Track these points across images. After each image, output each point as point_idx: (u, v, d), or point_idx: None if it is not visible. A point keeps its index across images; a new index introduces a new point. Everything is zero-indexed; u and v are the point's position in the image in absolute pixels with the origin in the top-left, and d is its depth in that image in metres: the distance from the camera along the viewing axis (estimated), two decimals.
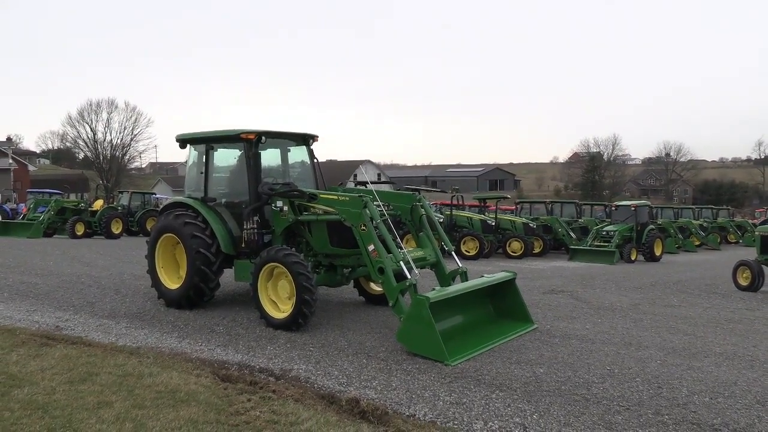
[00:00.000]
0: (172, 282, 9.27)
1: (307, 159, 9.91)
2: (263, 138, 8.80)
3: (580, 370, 6.25)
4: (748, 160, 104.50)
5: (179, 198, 9.67)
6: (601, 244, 21.68)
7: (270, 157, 9.68)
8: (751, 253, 14.36)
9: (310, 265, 7.88)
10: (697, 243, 30.14)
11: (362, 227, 7.50)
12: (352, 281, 9.50)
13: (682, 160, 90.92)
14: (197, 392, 5.19)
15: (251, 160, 8.81)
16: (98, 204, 28.03)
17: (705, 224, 32.60)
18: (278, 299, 8.03)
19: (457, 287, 7.47)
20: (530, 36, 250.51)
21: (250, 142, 8.76)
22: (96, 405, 4.80)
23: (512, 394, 5.50)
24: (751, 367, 6.55)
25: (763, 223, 31.52)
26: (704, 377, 6.10)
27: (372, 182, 9.18)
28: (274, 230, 8.78)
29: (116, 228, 25.81)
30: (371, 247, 7.37)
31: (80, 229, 25.32)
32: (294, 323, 7.66)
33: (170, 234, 9.13)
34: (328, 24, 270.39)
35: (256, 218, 8.63)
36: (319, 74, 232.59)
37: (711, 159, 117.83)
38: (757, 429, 4.79)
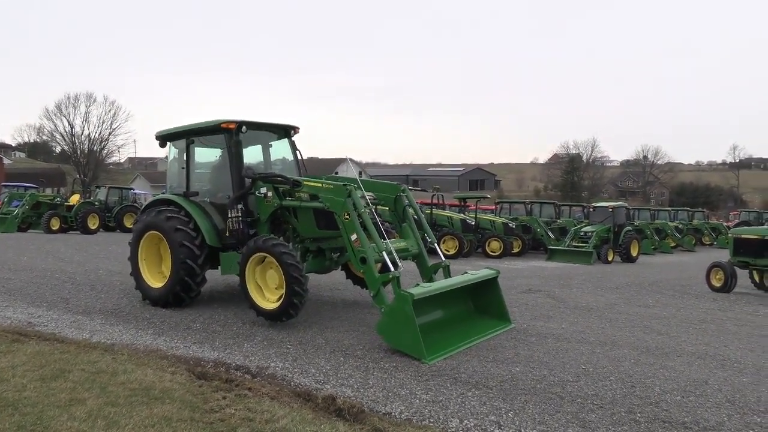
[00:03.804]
0: (154, 279, 9.14)
1: (289, 154, 9.82)
2: (244, 127, 8.71)
3: (556, 369, 6.32)
4: (724, 163, 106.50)
5: (163, 195, 9.54)
6: (579, 244, 21.92)
7: (252, 154, 9.60)
8: (724, 255, 14.63)
9: (299, 254, 7.79)
10: (673, 244, 30.62)
11: (345, 216, 7.48)
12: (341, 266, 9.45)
13: (659, 162, 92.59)
14: (172, 390, 5.14)
15: (233, 148, 8.73)
16: (74, 199, 27.60)
17: (681, 226, 33.18)
18: (266, 288, 7.96)
19: (441, 284, 7.41)
20: (512, 37, 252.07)
21: (231, 132, 8.69)
22: (68, 402, 4.73)
23: (488, 393, 5.54)
24: (722, 367, 6.67)
25: (736, 225, 32.17)
26: (676, 376, 6.20)
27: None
28: (259, 217, 8.70)
29: (93, 223, 25.48)
30: (354, 237, 7.36)
31: (56, 223, 24.95)
32: (284, 314, 7.60)
33: (155, 231, 9.00)
34: (312, 20, 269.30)
35: (240, 206, 8.55)
36: (301, 71, 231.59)
37: (687, 162, 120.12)
38: (727, 427, 4.88)
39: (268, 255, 7.70)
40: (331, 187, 7.85)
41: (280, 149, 9.92)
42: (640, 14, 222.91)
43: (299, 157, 9.74)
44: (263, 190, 8.53)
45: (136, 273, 9.28)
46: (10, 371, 5.43)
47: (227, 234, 8.67)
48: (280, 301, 7.62)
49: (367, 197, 8.06)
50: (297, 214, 8.52)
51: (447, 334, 7.26)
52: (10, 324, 7.57)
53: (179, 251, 8.52)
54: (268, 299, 7.85)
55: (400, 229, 8.49)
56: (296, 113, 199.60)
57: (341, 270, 9.93)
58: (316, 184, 8.11)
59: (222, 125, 8.64)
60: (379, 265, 7.39)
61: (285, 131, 9.71)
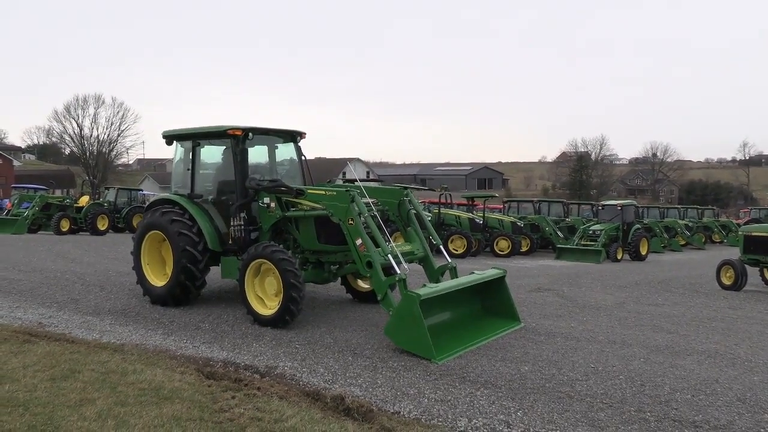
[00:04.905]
0: (158, 279, 9.21)
1: (294, 156, 9.88)
2: (250, 134, 8.76)
3: (565, 368, 6.29)
4: (734, 160, 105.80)
5: (166, 195, 9.61)
6: (588, 243, 21.82)
7: (257, 154, 9.64)
8: (735, 253, 14.52)
9: (297, 261, 7.85)
10: (683, 242, 30.45)
11: (350, 222, 7.49)
12: (340, 278, 9.49)
13: (668, 160, 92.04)
14: (181, 389, 5.16)
15: (238, 156, 8.77)
16: (84, 200, 27.77)
17: (690, 224, 32.97)
18: (265, 296, 8.01)
19: (448, 284, 7.42)
20: (520, 35, 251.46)
21: (237, 138, 8.72)
22: (78, 402, 4.76)
23: (497, 392, 5.53)
24: (733, 365, 6.62)
25: (747, 223, 31.94)
26: (686, 375, 6.17)
27: (361, 180, 9.16)
28: (261, 227, 8.74)
29: (102, 224, 25.63)
30: (359, 242, 7.36)
31: (65, 225, 25.10)
32: (280, 320, 7.64)
33: (157, 231, 9.07)
34: (318, 21, 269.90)
35: (243, 215, 8.60)
36: (309, 71, 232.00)
37: (697, 159, 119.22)
38: (737, 426, 4.85)
39: (266, 261, 7.74)
40: (335, 193, 7.86)
41: (285, 151, 9.96)
42: (647, 11, 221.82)
43: (304, 163, 9.76)
44: (266, 200, 8.55)
45: (138, 270, 9.34)
46: (21, 371, 5.47)
47: (230, 241, 8.73)
48: (277, 306, 7.66)
49: (370, 202, 8.06)
50: (299, 225, 8.54)
51: (456, 334, 7.25)
52: (20, 325, 7.63)
53: (181, 255, 8.57)
54: (270, 307, 7.88)
55: (404, 233, 8.50)
56: (305, 113, 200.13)
57: (341, 284, 9.95)
58: (319, 192, 8.13)
59: (229, 131, 8.66)
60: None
61: (292, 136, 9.74)
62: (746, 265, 13.22)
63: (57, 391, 4.98)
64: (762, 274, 13.70)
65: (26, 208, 26.10)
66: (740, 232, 14.26)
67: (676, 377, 6.08)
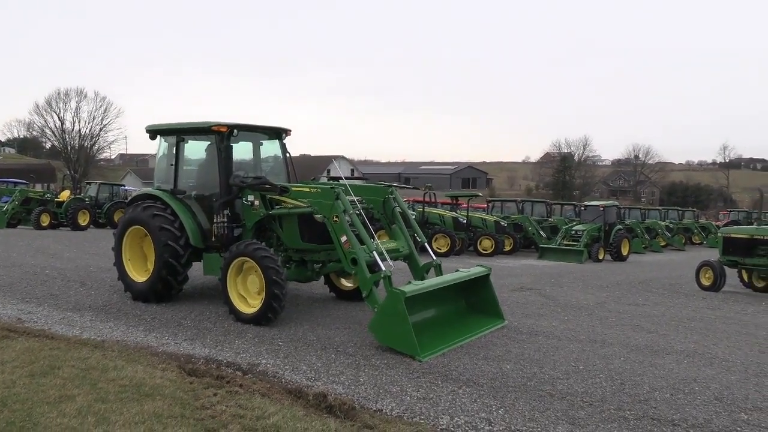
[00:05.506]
0: (139, 275, 9.13)
1: (279, 153, 9.85)
2: (235, 131, 8.72)
3: (546, 367, 6.35)
4: (714, 163, 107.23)
5: (148, 190, 9.52)
6: (570, 243, 22.03)
7: (242, 151, 9.59)
8: (714, 254, 14.74)
9: (280, 259, 7.84)
10: (663, 243, 30.85)
11: (335, 219, 7.48)
12: (323, 277, 9.48)
13: (650, 162, 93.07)
14: (162, 386, 5.13)
15: (222, 152, 8.72)
16: (65, 195, 27.41)
17: (671, 225, 33.44)
18: (248, 294, 7.97)
19: (433, 281, 7.46)
20: (504, 36, 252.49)
21: (222, 135, 8.66)
22: (58, 398, 4.71)
23: (479, 390, 5.56)
24: (710, 365, 6.73)
25: (726, 225, 32.42)
26: (665, 374, 6.26)
27: (345, 177, 9.16)
28: (244, 224, 8.70)
29: (83, 219, 25.36)
30: (344, 239, 7.36)
31: (45, 219, 24.79)
32: (263, 318, 7.61)
33: (138, 226, 8.99)
34: (305, 17, 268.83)
35: (226, 212, 8.55)
36: (294, 67, 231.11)
37: (678, 161, 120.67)
38: (715, 424, 4.93)
39: (249, 259, 7.71)
40: (319, 190, 7.85)
41: (270, 148, 9.92)
42: (631, 14, 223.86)
43: (289, 160, 9.73)
44: (250, 198, 8.51)
45: (119, 266, 9.26)
46: None
47: (213, 238, 8.68)
48: (260, 304, 7.64)
49: (355, 200, 8.07)
50: (282, 223, 8.52)
51: (440, 331, 7.27)
52: None
53: (163, 250, 8.51)
54: (252, 305, 7.85)
55: (389, 230, 8.52)
56: (289, 111, 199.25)
57: (324, 283, 9.94)
58: (304, 189, 8.11)
59: (213, 128, 8.59)
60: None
61: (276, 133, 9.71)
62: (725, 267, 13.43)
63: (36, 388, 4.93)
64: (740, 275, 13.92)
65: (5, 202, 25.73)
66: (719, 234, 14.49)
67: (656, 376, 6.16)
